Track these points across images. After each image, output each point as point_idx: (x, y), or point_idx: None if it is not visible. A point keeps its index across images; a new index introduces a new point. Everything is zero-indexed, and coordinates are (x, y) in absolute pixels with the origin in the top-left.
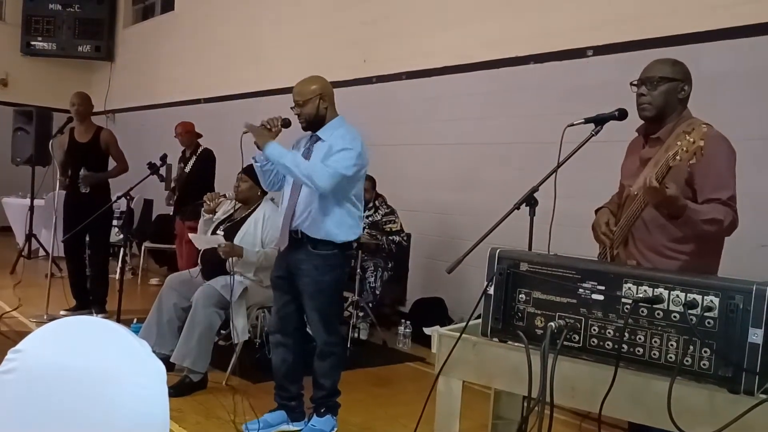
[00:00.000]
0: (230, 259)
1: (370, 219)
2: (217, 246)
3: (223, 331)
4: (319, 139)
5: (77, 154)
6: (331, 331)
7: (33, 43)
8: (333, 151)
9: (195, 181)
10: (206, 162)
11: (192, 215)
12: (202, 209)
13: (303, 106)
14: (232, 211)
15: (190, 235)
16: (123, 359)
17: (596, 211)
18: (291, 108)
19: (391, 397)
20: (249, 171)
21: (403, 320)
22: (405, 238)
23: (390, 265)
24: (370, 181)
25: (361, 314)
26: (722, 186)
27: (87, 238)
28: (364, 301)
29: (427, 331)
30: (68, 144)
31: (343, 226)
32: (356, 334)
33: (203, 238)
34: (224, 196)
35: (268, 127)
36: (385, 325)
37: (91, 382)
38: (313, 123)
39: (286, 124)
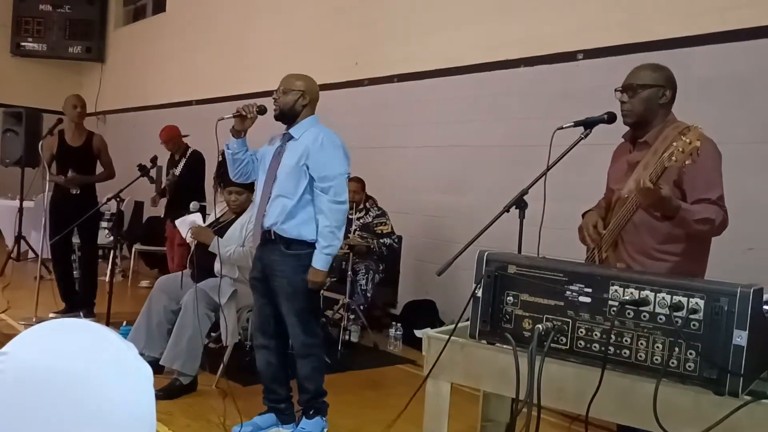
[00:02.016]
0: (217, 262)
1: (361, 221)
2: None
3: (213, 334)
4: (291, 137)
5: (68, 157)
6: (309, 333)
7: (23, 43)
8: (316, 172)
9: (186, 183)
10: (196, 164)
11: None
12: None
13: (283, 95)
14: (218, 216)
15: (177, 221)
16: (109, 362)
17: (583, 215)
18: (274, 92)
19: (381, 399)
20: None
21: (394, 322)
22: (396, 240)
23: (381, 267)
24: (360, 182)
25: (352, 317)
26: (711, 186)
27: (76, 240)
28: (356, 304)
29: (417, 333)
30: (58, 147)
31: (315, 225)
32: (347, 337)
33: (183, 221)
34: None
35: (244, 113)
36: (376, 327)
37: (77, 385)
38: (286, 115)
39: (262, 111)
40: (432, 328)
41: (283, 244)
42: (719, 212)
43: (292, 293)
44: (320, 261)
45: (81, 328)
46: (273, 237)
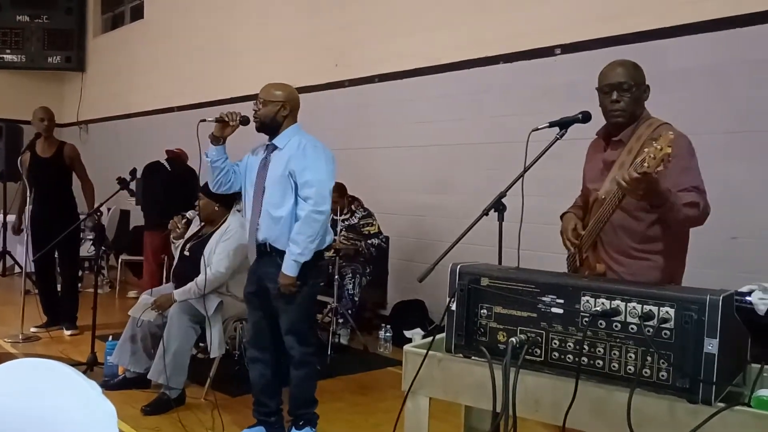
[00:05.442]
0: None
1: (347, 223)
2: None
3: (201, 344)
4: (276, 148)
5: (39, 169)
6: (305, 343)
7: (1, 56)
8: (299, 177)
9: (144, 194)
10: (147, 177)
11: (152, 226)
12: (171, 236)
13: (263, 106)
14: (197, 229)
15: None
16: (72, 402)
17: (561, 217)
18: (254, 103)
19: (371, 404)
20: (207, 187)
21: (383, 324)
22: (384, 240)
23: (369, 269)
24: (338, 190)
25: (341, 321)
26: (689, 178)
27: (56, 254)
28: (344, 308)
29: (407, 334)
30: (30, 160)
31: None
32: (337, 340)
33: (138, 311)
34: (185, 217)
35: (227, 119)
36: (366, 329)
37: (40, 426)
38: (267, 127)
39: (245, 121)
40: (421, 328)
41: (279, 257)
42: (701, 197)
43: (289, 307)
44: (291, 267)
45: (43, 368)
46: (269, 249)
